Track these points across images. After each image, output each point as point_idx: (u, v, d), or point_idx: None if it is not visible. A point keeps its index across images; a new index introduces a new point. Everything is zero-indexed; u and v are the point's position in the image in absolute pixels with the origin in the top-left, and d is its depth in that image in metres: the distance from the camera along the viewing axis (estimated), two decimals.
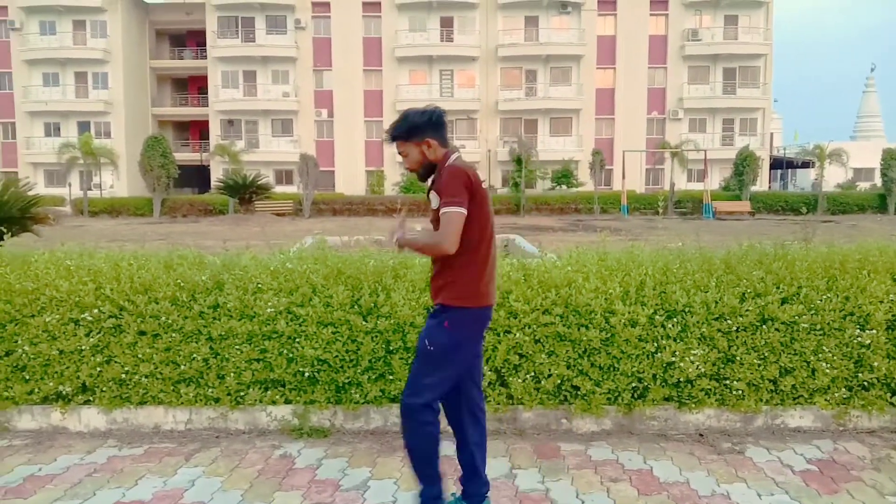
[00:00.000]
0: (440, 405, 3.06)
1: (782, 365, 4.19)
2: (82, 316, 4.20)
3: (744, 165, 35.32)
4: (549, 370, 4.12)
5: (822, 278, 4.29)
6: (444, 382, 3.01)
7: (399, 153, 3.07)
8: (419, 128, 3.00)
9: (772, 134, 48.49)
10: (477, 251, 2.97)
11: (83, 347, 4.19)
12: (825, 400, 4.21)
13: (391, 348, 4.16)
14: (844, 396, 4.21)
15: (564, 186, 40.75)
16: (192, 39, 49.34)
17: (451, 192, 2.85)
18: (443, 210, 2.83)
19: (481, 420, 3.22)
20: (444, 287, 2.97)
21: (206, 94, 46.32)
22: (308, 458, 3.86)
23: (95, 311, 4.19)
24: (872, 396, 4.21)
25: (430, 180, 3.07)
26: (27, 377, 4.25)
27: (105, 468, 3.75)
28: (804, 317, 4.16)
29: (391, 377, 4.16)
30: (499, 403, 4.16)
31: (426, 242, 2.95)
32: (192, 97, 50.03)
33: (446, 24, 44.61)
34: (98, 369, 4.21)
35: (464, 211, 2.84)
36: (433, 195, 2.96)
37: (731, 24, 44.79)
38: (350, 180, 44.16)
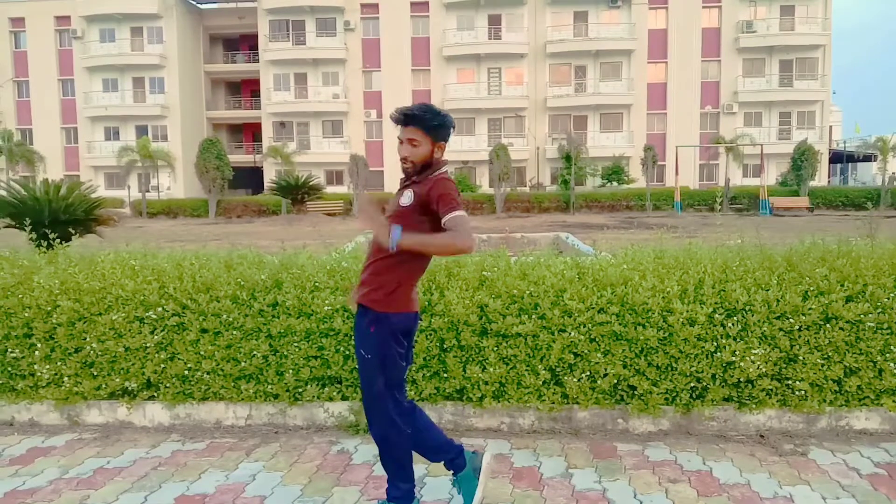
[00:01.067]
0: (396, 403, 3.04)
1: (847, 365, 4.06)
2: (147, 314, 4.33)
3: (802, 160, 34.35)
4: (605, 369, 4.09)
5: (890, 276, 4.15)
6: (394, 382, 3.00)
7: (407, 139, 2.91)
8: (445, 129, 2.95)
9: (831, 127, 47.02)
10: (425, 259, 2.98)
11: (148, 345, 4.33)
12: (893, 401, 4.07)
13: (445, 346, 4.18)
14: None
15: (615, 183, 40.26)
16: (245, 43, 50.36)
17: (452, 197, 2.79)
18: (451, 215, 2.74)
19: (412, 408, 3.16)
20: (379, 289, 2.90)
21: (259, 96, 47.20)
22: (365, 454, 3.91)
23: (159, 309, 4.32)
24: None
25: (410, 179, 2.99)
26: (95, 373, 4.41)
27: (169, 462, 3.87)
28: (870, 315, 4.02)
29: (445, 375, 4.18)
30: (553, 402, 4.14)
31: (441, 243, 2.75)
32: (245, 100, 51.07)
33: (494, 21, 44.50)
34: (162, 366, 4.34)
35: (465, 214, 2.79)
36: (408, 192, 2.91)
37: (787, 14, 43.54)
38: (398, 180, 44.34)
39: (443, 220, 2.76)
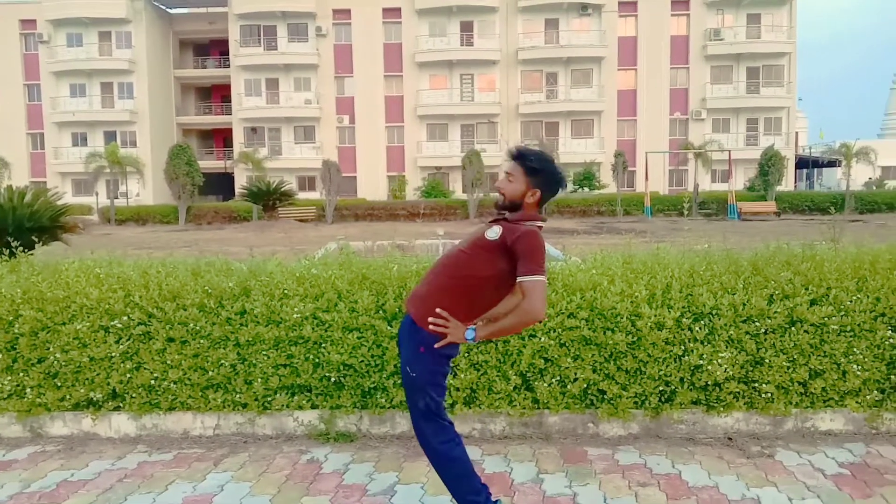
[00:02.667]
0: (443, 417, 3.03)
1: (812, 367, 4.13)
2: (112, 323, 4.26)
3: (769, 165, 34.89)
4: (575, 374, 4.11)
5: (852, 279, 4.23)
6: (439, 397, 3.00)
7: (506, 172, 2.98)
8: (545, 176, 2.94)
9: (797, 133, 47.92)
10: (492, 301, 2.96)
11: (113, 354, 4.25)
12: (857, 402, 4.14)
13: None
14: (877, 399, 4.14)
15: (586, 189, 40.57)
16: (216, 48, 49.91)
17: (537, 259, 2.77)
18: (529, 279, 2.74)
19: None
20: (433, 308, 2.87)
21: (230, 102, 46.83)
22: (335, 462, 3.88)
23: (125, 318, 4.25)
24: None
25: (499, 214, 3.00)
26: (59, 384, 4.32)
27: (135, 473, 3.80)
28: (834, 318, 4.10)
29: None
30: (524, 408, 4.15)
31: (513, 323, 2.80)
32: (215, 105, 50.60)
33: (466, 28, 44.66)
34: (128, 376, 4.26)
35: (545, 279, 2.79)
36: (497, 228, 2.89)
37: (753, 22, 44.33)
38: (372, 186, 44.39)
39: (519, 279, 2.78)
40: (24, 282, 4.46)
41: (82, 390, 4.28)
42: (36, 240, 6.78)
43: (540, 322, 2.78)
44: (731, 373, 4.08)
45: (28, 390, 4.31)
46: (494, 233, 2.88)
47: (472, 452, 3.94)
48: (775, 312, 4.10)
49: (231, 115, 46.39)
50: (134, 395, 4.28)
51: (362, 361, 4.16)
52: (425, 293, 2.95)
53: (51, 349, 4.28)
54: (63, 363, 4.27)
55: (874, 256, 4.40)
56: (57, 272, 4.59)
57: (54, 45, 45.40)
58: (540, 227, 2.93)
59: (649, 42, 44.02)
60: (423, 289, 2.99)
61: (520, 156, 2.96)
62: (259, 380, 4.21)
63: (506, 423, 4.20)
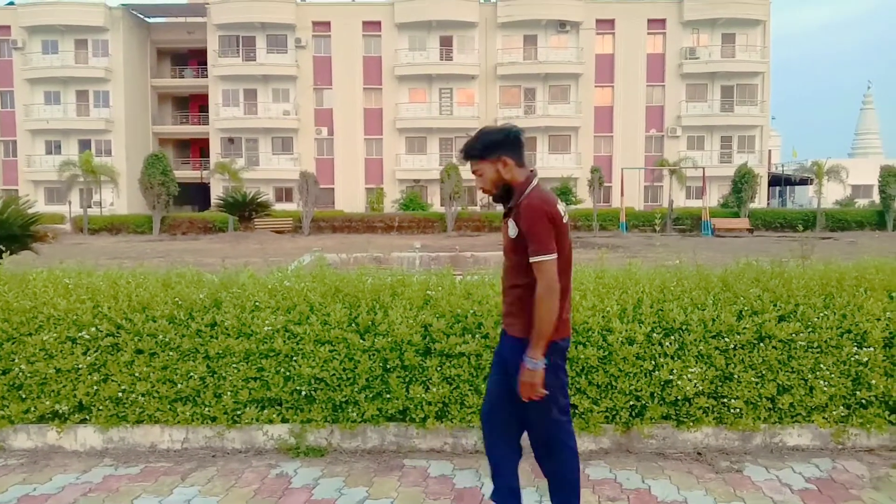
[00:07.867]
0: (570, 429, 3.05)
1: (780, 383, 4.18)
2: (80, 334, 4.19)
3: (742, 182, 35.43)
4: None
5: (819, 296, 4.29)
6: (566, 398, 3.01)
7: (473, 173, 2.95)
8: (494, 145, 2.90)
9: (770, 151, 48.71)
10: (563, 279, 2.93)
11: (80, 366, 4.18)
12: (823, 418, 4.20)
13: (388, 367, 4.15)
14: (843, 415, 4.20)
15: (563, 203, 40.81)
16: (194, 58, 49.66)
17: (539, 238, 2.75)
18: (535, 259, 2.73)
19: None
20: (524, 320, 2.84)
21: (207, 112, 46.55)
22: (304, 477, 3.84)
23: (93, 329, 4.19)
24: (871, 414, 4.19)
25: (507, 206, 2.95)
26: (24, 396, 4.24)
27: (101, 488, 3.73)
28: (801, 334, 4.15)
29: (388, 396, 4.15)
30: None
31: (539, 315, 2.72)
32: (192, 115, 50.28)
33: (446, 43, 44.91)
34: (95, 388, 4.20)
35: (554, 256, 2.75)
36: (511, 223, 2.86)
37: (728, 42, 45.11)
38: (350, 198, 44.28)
39: (530, 259, 2.76)
40: None
41: (48, 402, 4.20)
42: (4, 249, 6.65)
43: (557, 299, 2.73)
44: (700, 388, 4.11)
45: None
46: (513, 230, 2.86)
47: (444, 467, 3.95)
48: (744, 328, 4.14)
49: (208, 125, 46.11)
50: (101, 408, 4.21)
51: (334, 375, 4.14)
52: (508, 309, 2.96)
53: (16, 360, 4.20)
54: (28, 375, 4.19)
55: (841, 273, 4.47)
56: (24, 282, 4.51)
57: (29, 52, 44.88)
58: (536, 184, 2.89)
59: (626, 60, 44.57)
60: (505, 308, 3.00)
61: (467, 154, 2.96)
62: (229, 393, 4.17)
63: (478, 438, 4.19)
